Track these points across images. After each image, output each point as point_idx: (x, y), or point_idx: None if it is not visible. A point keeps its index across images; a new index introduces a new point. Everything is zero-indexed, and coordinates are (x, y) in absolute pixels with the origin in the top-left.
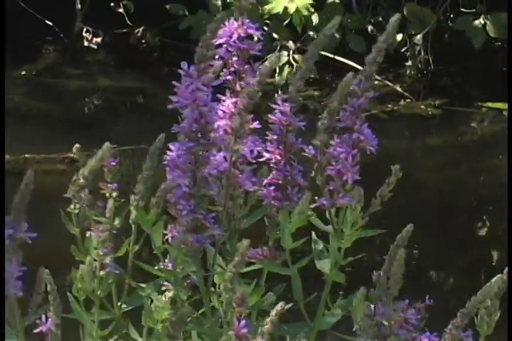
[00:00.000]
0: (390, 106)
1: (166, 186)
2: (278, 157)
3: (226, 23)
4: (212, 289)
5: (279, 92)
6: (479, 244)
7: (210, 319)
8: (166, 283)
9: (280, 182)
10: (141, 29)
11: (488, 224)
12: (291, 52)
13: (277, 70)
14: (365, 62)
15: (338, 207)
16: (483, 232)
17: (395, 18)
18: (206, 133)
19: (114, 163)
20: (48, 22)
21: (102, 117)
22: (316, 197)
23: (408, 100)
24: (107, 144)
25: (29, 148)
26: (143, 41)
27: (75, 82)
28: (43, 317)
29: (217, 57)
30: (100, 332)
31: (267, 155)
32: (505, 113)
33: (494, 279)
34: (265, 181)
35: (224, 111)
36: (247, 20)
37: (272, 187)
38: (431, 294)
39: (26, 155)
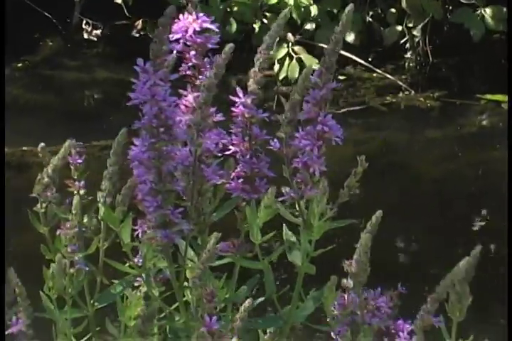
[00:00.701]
0: (388, 98)
1: (131, 183)
2: (244, 149)
3: (181, 17)
4: (186, 284)
5: (278, 84)
6: (477, 233)
7: (184, 314)
8: (138, 279)
9: (247, 174)
10: (140, 21)
11: (487, 213)
12: (290, 44)
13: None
14: (325, 53)
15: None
16: (481, 222)
17: (349, 8)
18: (167, 128)
19: (80, 161)
20: (46, 14)
21: (100, 109)
22: (287, 189)
23: (407, 92)
24: (69, 141)
25: (27, 140)
26: (142, 33)
27: (74, 74)
28: (14, 318)
29: (175, 52)
30: (73, 330)
31: (232, 148)
32: (504, 105)
33: (461, 263)
34: (232, 174)
35: (186, 106)
36: (201, 14)
37: (240, 180)
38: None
39: (24, 148)
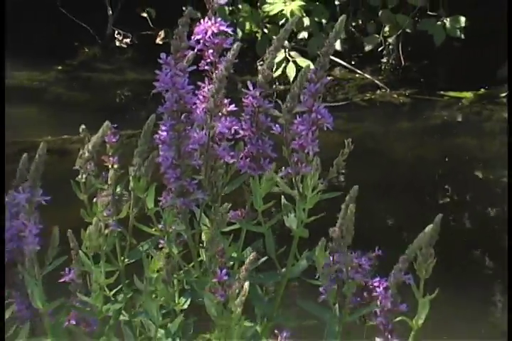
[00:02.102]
0: (368, 95)
1: (153, 157)
2: (251, 134)
3: (202, 21)
4: (200, 245)
5: (277, 83)
6: (441, 206)
7: (198, 270)
8: (161, 241)
9: (254, 154)
10: (162, 31)
11: (451, 190)
12: (287, 50)
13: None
14: (320, 54)
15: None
16: (445, 197)
17: (342, 17)
18: (185, 112)
19: (114, 140)
20: (85, 26)
21: (128, 104)
22: (283, 167)
23: (383, 90)
24: (106, 123)
25: (67, 130)
26: (164, 41)
27: (107, 76)
28: (66, 269)
29: (196, 50)
30: (106, 280)
31: (242, 132)
32: (464, 100)
33: (426, 229)
34: (241, 155)
35: (204, 96)
36: (219, 19)
37: (247, 159)
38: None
39: (64, 136)
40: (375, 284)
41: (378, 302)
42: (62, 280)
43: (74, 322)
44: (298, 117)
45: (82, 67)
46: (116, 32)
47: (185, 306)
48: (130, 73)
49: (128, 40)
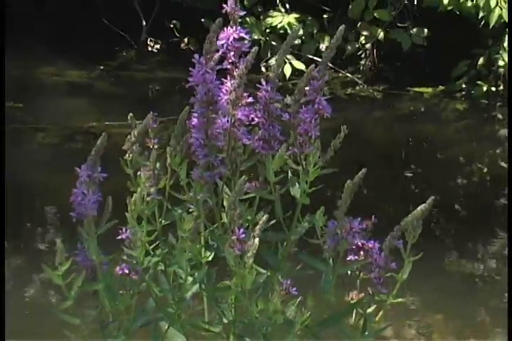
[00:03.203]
0: (349, 90)
1: (186, 138)
2: (264, 121)
3: (225, 29)
4: (222, 209)
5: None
6: (407, 179)
7: (221, 229)
8: (191, 206)
9: (266, 138)
10: (186, 39)
11: (414, 166)
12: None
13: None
14: (322, 56)
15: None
16: (410, 172)
17: (342, 27)
18: (212, 102)
19: (154, 125)
20: (123, 34)
21: (158, 97)
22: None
23: (361, 86)
24: (150, 114)
25: (109, 118)
26: (187, 47)
27: (141, 74)
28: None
29: (220, 52)
30: (147, 238)
31: (256, 119)
32: (425, 95)
33: (420, 207)
34: (256, 137)
35: (226, 90)
36: (239, 27)
37: (261, 141)
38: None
39: (106, 123)
40: (370, 245)
41: (373, 260)
42: (119, 237)
43: (125, 271)
44: (303, 107)
45: (120, 67)
46: (148, 39)
47: (210, 259)
48: (159, 72)
49: (158, 46)
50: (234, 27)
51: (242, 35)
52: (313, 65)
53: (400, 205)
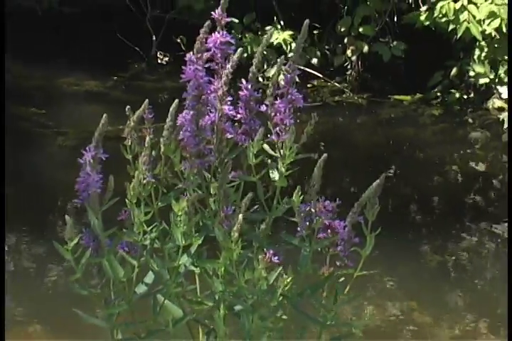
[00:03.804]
0: (337, 98)
1: (178, 130)
2: (245, 116)
3: (213, 34)
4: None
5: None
6: (388, 177)
7: (210, 210)
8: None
9: (247, 131)
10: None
11: (394, 165)
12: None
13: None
14: (292, 56)
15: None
16: (390, 170)
17: (306, 22)
18: (202, 96)
19: (150, 116)
20: (135, 48)
21: (166, 104)
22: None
23: (348, 94)
24: (146, 101)
25: (122, 122)
26: None
27: (151, 84)
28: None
29: (209, 54)
30: (144, 217)
31: (239, 115)
32: (405, 102)
33: (374, 183)
34: (239, 131)
35: (214, 88)
36: (225, 32)
37: (243, 135)
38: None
39: (120, 127)
40: (337, 225)
41: (339, 236)
42: (119, 218)
43: (125, 248)
44: (278, 99)
45: (132, 78)
46: (158, 53)
47: (200, 241)
48: (168, 82)
49: (167, 59)
50: (221, 32)
51: (228, 39)
52: (282, 57)
53: (380, 198)
